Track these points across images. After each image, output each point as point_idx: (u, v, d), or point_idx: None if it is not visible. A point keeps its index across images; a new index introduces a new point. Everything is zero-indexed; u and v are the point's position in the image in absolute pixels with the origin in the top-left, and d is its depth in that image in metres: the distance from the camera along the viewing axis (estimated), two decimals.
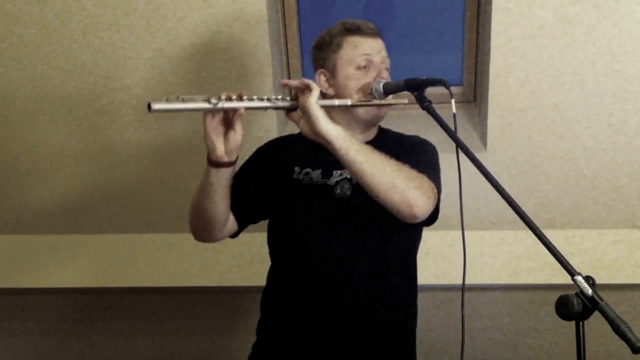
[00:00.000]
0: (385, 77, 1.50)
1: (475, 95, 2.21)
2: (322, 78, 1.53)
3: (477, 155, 1.20)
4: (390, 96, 1.48)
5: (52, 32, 2.01)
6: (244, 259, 2.24)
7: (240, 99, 1.22)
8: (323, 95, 1.52)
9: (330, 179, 1.48)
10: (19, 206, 2.34)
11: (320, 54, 1.55)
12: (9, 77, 2.10)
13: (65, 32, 2.01)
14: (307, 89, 1.27)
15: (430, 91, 1.35)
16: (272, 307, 1.56)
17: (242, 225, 1.52)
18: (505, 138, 2.05)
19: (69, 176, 2.26)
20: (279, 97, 1.28)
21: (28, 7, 1.98)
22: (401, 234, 1.49)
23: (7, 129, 2.20)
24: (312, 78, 1.54)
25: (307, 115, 1.25)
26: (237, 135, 1.26)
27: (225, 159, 1.28)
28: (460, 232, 1.33)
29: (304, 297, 1.48)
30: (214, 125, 1.24)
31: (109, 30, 1.99)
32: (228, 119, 1.26)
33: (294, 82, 1.30)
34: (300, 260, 1.48)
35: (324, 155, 1.31)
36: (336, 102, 1.38)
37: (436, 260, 2.19)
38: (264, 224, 1.59)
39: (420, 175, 1.33)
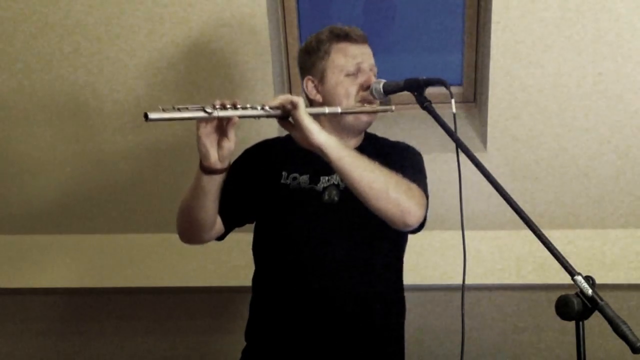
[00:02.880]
0: None
1: (475, 95, 2.21)
2: (310, 85, 1.53)
3: (477, 155, 1.20)
4: (377, 102, 1.49)
5: (43, 36, 2.01)
6: (243, 259, 2.23)
7: (234, 107, 1.22)
8: (311, 102, 1.53)
9: (318, 185, 1.48)
10: (17, 206, 2.34)
11: (308, 61, 1.54)
12: (1, 80, 2.09)
13: (57, 35, 2.00)
14: (290, 104, 1.26)
15: (430, 91, 1.35)
16: (261, 312, 1.55)
17: (228, 228, 1.52)
18: (505, 138, 2.05)
19: (67, 176, 2.26)
20: (272, 105, 1.28)
21: (18, 11, 1.98)
22: (389, 239, 1.50)
23: (1, 131, 2.20)
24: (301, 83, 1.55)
25: (299, 127, 1.25)
26: (230, 142, 1.26)
27: (218, 165, 1.28)
28: (460, 232, 1.33)
29: (292, 302, 1.47)
30: (207, 133, 1.24)
31: (106, 33, 1.99)
32: (221, 127, 1.25)
33: (275, 103, 1.27)
34: (289, 265, 1.48)
35: (312, 160, 1.31)
36: (326, 109, 1.39)
37: (436, 260, 2.19)
38: None
39: (412, 183, 1.34)
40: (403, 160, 1.48)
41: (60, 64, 2.05)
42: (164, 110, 1.14)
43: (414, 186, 1.35)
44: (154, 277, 2.33)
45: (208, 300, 2.41)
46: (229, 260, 2.28)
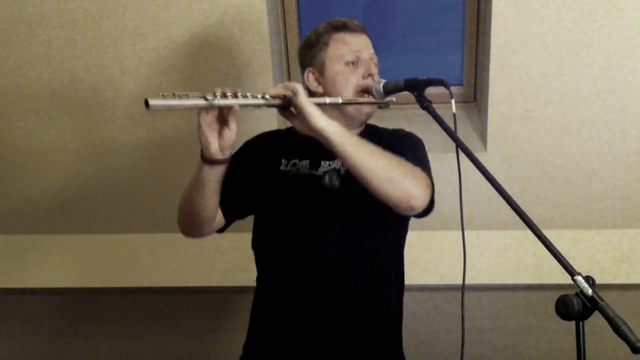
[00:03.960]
0: (374, 72, 1.51)
1: (475, 95, 2.21)
2: (311, 77, 1.53)
3: (477, 155, 1.20)
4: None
5: (45, 33, 2.01)
6: (243, 259, 2.24)
7: (235, 96, 1.22)
8: (312, 94, 1.52)
9: (318, 170, 1.48)
10: (17, 206, 2.34)
11: (308, 53, 1.55)
12: (1, 75, 2.09)
13: (58, 33, 2.00)
14: (291, 91, 1.26)
15: (430, 91, 1.35)
16: (263, 305, 1.54)
17: (229, 220, 1.51)
18: (505, 138, 2.05)
19: (67, 176, 2.26)
20: (272, 94, 1.28)
21: (20, 7, 1.98)
22: (391, 224, 1.49)
23: (2, 129, 2.20)
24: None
25: (300, 113, 1.25)
26: (231, 132, 1.26)
27: (219, 156, 1.28)
28: (460, 232, 1.33)
29: (295, 290, 1.46)
30: (209, 122, 1.24)
31: (107, 29, 1.99)
32: (223, 116, 1.25)
33: (277, 91, 1.27)
34: (291, 252, 1.47)
35: (312, 146, 1.31)
36: (327, 100, 1.39)
37: (436, 260, 2.19)
38: None
39: (415, 167, 1.34)
40: (405, 147, 1.48)
41: (60, 61, 2.05)
42: (164, 97, 1.13)
43: (417, 169, 1.34)
44: (154, 277, 2.33)
45: (208, 300, 2.41)
46: (229, 260, 2.27)
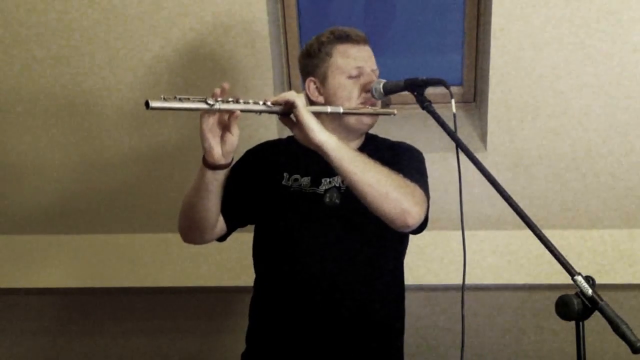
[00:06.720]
0: None
1: (475, 95, 2.22)
2: (312, 86, 1.52)
3: (477, 155, 1.20)
4: (379, 104, 1.50)
5: (43, 37, 2.01)
6: (243, 259, 2.23)
7: (236, 101, 1.22)
8: (312, 104, 1.52)
9: (320, 187, 1.48)
10: (17, 206, 2.35)
11: (310, 63, 1.53)
12: (1, 81, 2.09)
13: (56, 37, 2.00)
14: (291, 103, 1.25)
15: (430, 91, 1.36)
16: (262, 315, 1.55)
17: (230, 228, 1.51)
18: (505, 138, 2.05)
19: (67, 176, 2.27)
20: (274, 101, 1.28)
21: (18, 12, 1.98)
22: (390, 241, 1.49)
23: (1, 131, 2.20)
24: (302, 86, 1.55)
25: (300, 124, 1.25)
26: (233, 137, 1.26)
27: (222, 161, 1.28)
28: (460, 232, 1.33)
29: (293, 304, 1.47)
30: (211, 127, 1.24)
31: (106, 35, 1.99)
32: (224, 121, 1.25)
33: (278, 99, 1.27)
34: (289, 268, 1.47)
35: (313, 161, 1.31)
36: (329, 109, 1.39)
37: (436, 260, 2.19)
38: None
39: (412, 184, 1.34)
40: (404, 161, 1.48)
41: (59, 65, 2.05)
42: (165, 99, 1.14)
43: (414, 186, 1.34)
44: (154, 277, 2.33)
45: (208, 300, 2.41)
46: (229, 260, 2.28)
